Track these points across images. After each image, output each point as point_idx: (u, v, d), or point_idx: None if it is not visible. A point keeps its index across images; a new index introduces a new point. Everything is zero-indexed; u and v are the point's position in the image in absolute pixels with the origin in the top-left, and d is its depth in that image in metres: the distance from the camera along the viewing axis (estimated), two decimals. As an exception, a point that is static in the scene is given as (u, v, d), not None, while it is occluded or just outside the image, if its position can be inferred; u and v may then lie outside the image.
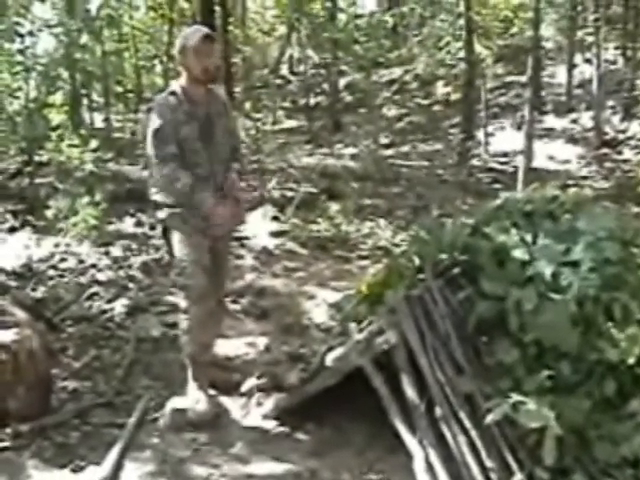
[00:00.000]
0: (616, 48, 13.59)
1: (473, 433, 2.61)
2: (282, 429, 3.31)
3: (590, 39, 12.47)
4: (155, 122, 3.33)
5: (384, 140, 12.49)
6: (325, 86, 15.31)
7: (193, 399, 3.40)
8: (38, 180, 7.77)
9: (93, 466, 3.02)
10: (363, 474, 2.97)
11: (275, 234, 6.62)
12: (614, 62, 13.37)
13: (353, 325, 3.18)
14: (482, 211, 3.52)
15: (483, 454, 2.57)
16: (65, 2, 10.17)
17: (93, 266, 5.55)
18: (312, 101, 15.10)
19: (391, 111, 14.62)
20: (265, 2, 20.31)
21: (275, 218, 7.10)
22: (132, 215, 7.07)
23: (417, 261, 3.25)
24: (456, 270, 3.12)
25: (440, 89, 15.03)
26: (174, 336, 4.02)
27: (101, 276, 5.36)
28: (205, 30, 3.47)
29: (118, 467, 3.00)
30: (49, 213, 6.61)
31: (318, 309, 4.88)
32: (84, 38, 9.81)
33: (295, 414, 3.29)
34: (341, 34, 12.88)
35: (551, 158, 10.89)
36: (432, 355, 2.82)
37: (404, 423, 2.79)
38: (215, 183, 3.45)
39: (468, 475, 2.55)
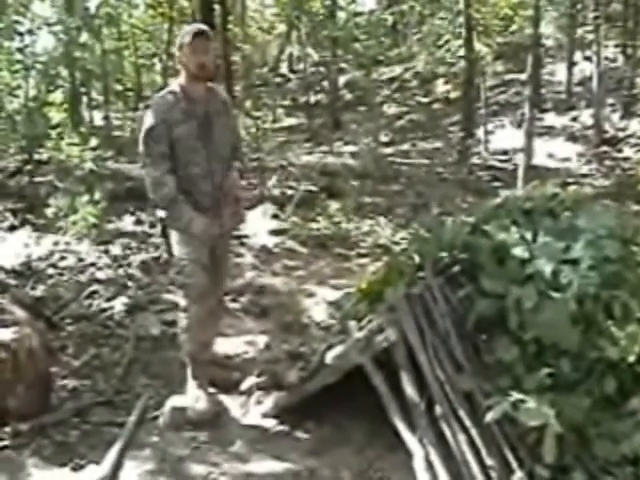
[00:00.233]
0: (616, 46, 13.59)
1: (473, 431, 2.61)
2: (282, 427, 3.31)
3: (590, 37, 12.49)
4: (149, 121, 3.33)
5: (384, 138, 12.49)
6: (325, 84, 15.33)
7: (193, 397, 3.40)
8: (38, 178, 7.79)
9: (93, 464, 3.02)
10: (363, 472, 2.97)
11: (275, 232, 6.62)
12: (614, 60, 13.38)
13: (353, 323, 3.18)
14: (482, 209, 3.52)
15: (483, 452, 2.57)
16: (64, 0, 10.15)
17: (92, 264, 5.56)
18: (312, 99, 15.11)
19: (391, 109, 14.63)
20: (264, 0, 20.30)
21: (275, 216, 7.11)
22: (132, 213, 7.08)
23: (417, 259, 3.25)
24: (456, 268, 3.12)
25: (440, 87, 15.04)
26: (173, 334, 4.02)
27: (100, 274, 5.37)
28: (200, 26, 3.47)
29: (118, 465, 3.00)
30: (49, 211, 6.62)
31: (318, 307, 4.88)
32: (84, 36, 9.81)
33: (295, 412, 3.29)
34: (341, 32, 12.87)
35: (551, 156, 10.89)
36: (432, 353, 2.82)
37: (404, 421, 2.79)
38: (213, 181, 3.45)
39: (468, 473, 2.55)
